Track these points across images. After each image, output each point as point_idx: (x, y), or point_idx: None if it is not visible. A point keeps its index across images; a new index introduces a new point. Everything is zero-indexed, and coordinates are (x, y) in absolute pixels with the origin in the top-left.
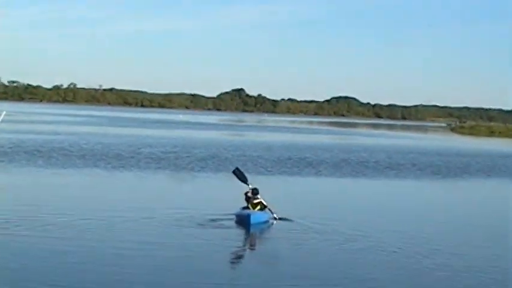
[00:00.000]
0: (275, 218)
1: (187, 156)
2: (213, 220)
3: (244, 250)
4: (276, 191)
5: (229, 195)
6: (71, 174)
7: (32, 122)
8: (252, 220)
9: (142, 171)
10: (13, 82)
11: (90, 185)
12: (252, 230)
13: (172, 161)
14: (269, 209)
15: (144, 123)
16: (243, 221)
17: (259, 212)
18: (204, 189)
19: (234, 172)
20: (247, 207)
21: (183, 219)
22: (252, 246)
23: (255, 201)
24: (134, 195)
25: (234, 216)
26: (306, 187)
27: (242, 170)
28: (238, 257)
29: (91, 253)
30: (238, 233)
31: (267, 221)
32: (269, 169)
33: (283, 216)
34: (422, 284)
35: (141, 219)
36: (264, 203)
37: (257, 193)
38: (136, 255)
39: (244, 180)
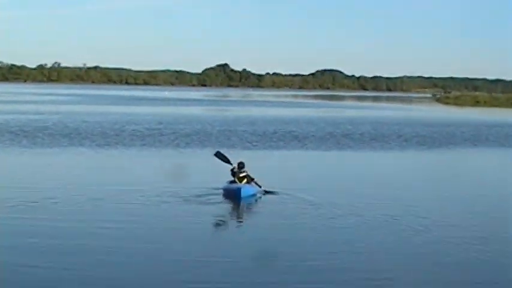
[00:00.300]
0: (264, 192)
1: (172, 133)
2: (200, 195)
3: (235, 224)
4: (262, 165)
5: (216, 170)
6: (55, 153)
7: (16, 102)
8: (242, 193)
9: (127, 148)
10: None
11: (75, 164)
12: (241, 203)
13: (157, 137)
14: (255, 182)
15: (129, 100)
16: (232, 194)
17: (248, 185)
18: (190, 164)
19: (215, 155)
20: (234, 181)
21: (170, 196)
22: (241, 220)
23: (241, 174)
24: (119, 173)
25: (222, 191)
26: (291, 161)
27: (228, 145)
28: (229, 232)
29: (79, 232)
30: (228, 207)
31: (255, 194)
32: (254, 143)
33: (270, 189)
34: (419, 257)
35: (127, 196)
36: (251, 175)
37: (243, 167)
38: (123, 232)
39: (227, 161)
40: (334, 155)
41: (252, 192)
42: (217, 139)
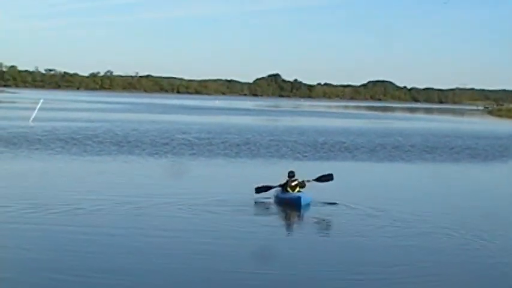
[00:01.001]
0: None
1: (221, 142)
2: (254, 205)
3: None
4: (312, 176)
5: (267, 179)
6: (104, 161)
7: (68, 109)
8: (303, 201)
9: (177, 157)
10: (50, 70)
11: (124, 172)
12: (302, 212)
13: (207, 146)
14: (306, 181)
15: (179, 109)
16: (292, 203)
17: (304, 193)
18: (240, 174)
19: (257, 192)
20: (284, 190)
21: (221, 205)
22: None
23: (293, 183)
24: (169, 182)
25: (277, 199)
26: (342, 171)
27: (278, 155)
28: (296, 242)
29: (129, 240)
30: (290, 216)
31: (311, 202)
32: (305, 154)
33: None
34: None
35: (179, 205)
36: (300, 180)
37: (293, 175)
38: (177, 241)
39: (269, 188)
40: (385, 167)
41: (310, 200)
42: (267, 149)
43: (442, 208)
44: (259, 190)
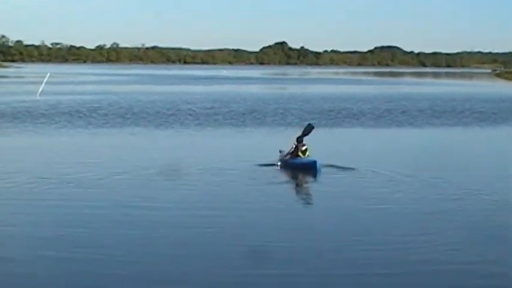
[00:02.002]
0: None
1: (227, 112)
2: (267, 171)
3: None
4: (321, 143)
5: (268, 147)
6: (110, 133)
7: (74, 83)
8: (318, 166)
9: (184, 128)
10: (56, 44)
11: (129, 143)
12: (318, 175)
13: (212, 116)
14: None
15: (186, 80)
16: (308, 167)
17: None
18: (249, 142)
19: (306, 126)
20: (295, 154)
21: (235, 175)
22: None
23: (303, 148)
24: (175, 152)
25: (290, 165)
26: (349, 137)
27: (285, 123)
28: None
29: (144, 212)
30: (308, 180)
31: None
32: (311, 121)
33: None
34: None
35: (189, 176)
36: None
37: (302, 141)
38: (193, 214)
39: (306, 133)
40: (392, 132)
41: (323, 164)
42: (273, 118)
43: (461, 172)
44: (306, 129)
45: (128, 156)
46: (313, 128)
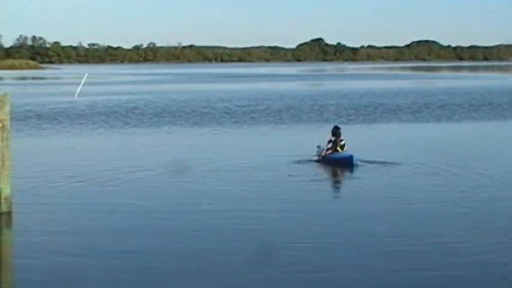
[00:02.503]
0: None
1: (264, 109)
2: (306, 166)
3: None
4: (358, 138)
5: (312, 142)
6: (146, 133)
7: (112, 83)
8: (355, 160)
9: (220, 126)
10: (93, 45)
11: (167, 143)
12: (354, 170)
13: (249, 114)
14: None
15: (223, 78)
16: (344, 162)
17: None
18: (286, 138)
19: (335, 128)
20: (333, 149)
21: (273, 169)
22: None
23: (342, 142)
24: (212, 151)
25: (328, 160)
26: (386, 132)
27: (322, 119)
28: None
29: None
30: (345, 174)
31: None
32: (349, 117)
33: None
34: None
35: (224, 173)
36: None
37: (340, 135)
38: (232, 210)
39: (337, 134)
40: (431, 127)
41: (359, 158)
42: (309, 114)
43: (507, 166)
44: (335, 131)
45: (165, 154)
46: (339, 129)
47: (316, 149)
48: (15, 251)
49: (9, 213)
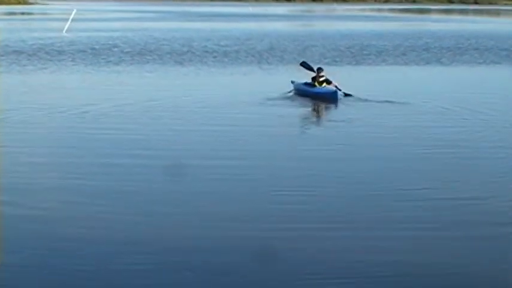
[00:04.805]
0: (344, 94)
1: (247, 49)
2: (286, 100)
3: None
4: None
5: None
6: (127, 71)
7: (100, 19)
8: (339, 95)
9: (201, 65)
10: None
11: (146, 82)
12: (338, 105)
13: (231, 54)
14: (335, 86)
15: (212, 17)
16: (328, 97)
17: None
18: (265, 78)
19: (301, 64)
20: (311, 85)
21: (249, 106)
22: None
23: (321, 78)
24: (191, 89)
25: (310, 94)
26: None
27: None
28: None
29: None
30: (330, 109)
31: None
32: (333, 59)
33: (348, 92)
34: None
35: (212, 115)
36: (329, 78)
37: (322, 71)
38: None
39: (311, 68)
40: (415, 69)
41: (342, 94)
42: (291, 55)
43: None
44: (304, 65)
45: (142, 94)
46: (321, 69)
47: (291, 84)
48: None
49: None
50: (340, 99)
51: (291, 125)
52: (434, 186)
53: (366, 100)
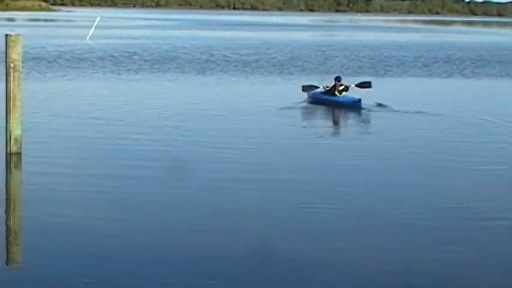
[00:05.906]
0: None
1: (269, 59)
2: (310, 110)
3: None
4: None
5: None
6: (147, 79)
7: (124, 27)
8: (363, 103)
9: (222, 73)
10: None
11: (166, 91)
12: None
13: (252, 63)
14: (349, 86)
15: (235, 26)
16: (352, 105)
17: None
18: (284, 87)
19: (303, 90)
20: (330, 93)
21: (263, 115)
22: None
23: (341, 87)
24: (210, 98)
25: (332, 102)
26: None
27: (322, 71)
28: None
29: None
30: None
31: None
32: (353, 70)
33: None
34: None
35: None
36: (347, 84)
37: (340, 80)
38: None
39: (314, 87)
40: (437, 81)
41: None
42: (313, 65)
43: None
44: (305, 88)
45: (162, 102)
46: (370, 86)
47: (301, 90)
48: (25, 191)
49: (19, 153)
50: (364, 108)
51: (321, 137)
52: (464, 202)
53: (397, 111)
